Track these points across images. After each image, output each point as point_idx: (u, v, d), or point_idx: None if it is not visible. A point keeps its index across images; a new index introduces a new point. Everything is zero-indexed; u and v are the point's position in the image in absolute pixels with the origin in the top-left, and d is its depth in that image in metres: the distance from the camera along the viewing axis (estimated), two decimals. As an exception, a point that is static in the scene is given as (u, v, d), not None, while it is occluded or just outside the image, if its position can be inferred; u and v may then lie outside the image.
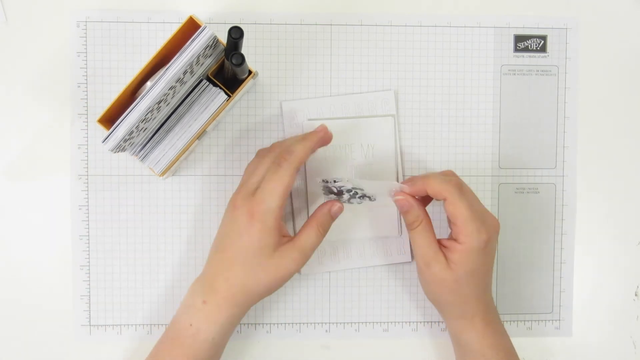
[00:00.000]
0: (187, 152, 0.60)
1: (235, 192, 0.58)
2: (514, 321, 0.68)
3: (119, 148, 0.54)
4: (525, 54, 0.67)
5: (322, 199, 0.63)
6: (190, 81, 0.57)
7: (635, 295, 0.69)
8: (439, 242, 0.59)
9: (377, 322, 0.67)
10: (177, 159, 0.59)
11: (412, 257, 0.66)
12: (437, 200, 0.59)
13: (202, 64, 0.56)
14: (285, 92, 0.66)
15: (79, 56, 0.65)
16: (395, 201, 0.59)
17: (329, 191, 0.60)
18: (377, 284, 0.67)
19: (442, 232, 0.66)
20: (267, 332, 0.67)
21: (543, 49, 0.67)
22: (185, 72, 0.53)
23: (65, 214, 0.65)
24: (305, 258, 0.57)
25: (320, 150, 0.65)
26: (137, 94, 0.57)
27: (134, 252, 0.66)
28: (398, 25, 0.66)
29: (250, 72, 0.58)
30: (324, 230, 0.58)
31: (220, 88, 0.58)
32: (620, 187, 0.68)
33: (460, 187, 0.58)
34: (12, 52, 0.64)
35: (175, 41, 0.55)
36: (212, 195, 0.66)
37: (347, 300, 0.67)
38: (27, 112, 0.65)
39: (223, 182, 0.66)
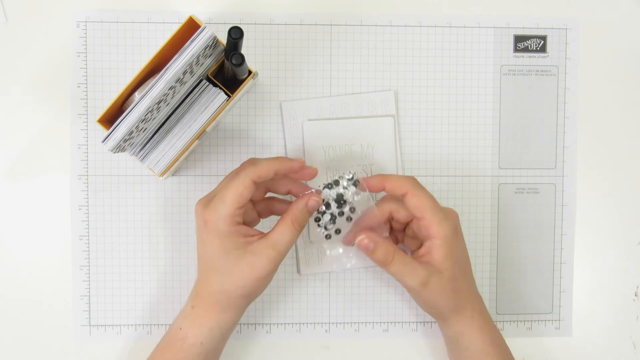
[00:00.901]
0: (187, 152, 0.60)
1: (198, 201, 0.58)
2: (514, 321, 0.68)
3: (119, 148, 0.54)
4: (525, 54, 0.67)
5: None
6: (190, 81, 0.57)
7: (635, 295, 0.69)
8: (416, 258, 0.58)
9: (377, 322, 0.67)
10: (177, 159, 0.59)
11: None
12: (396, 195, 0.58)
13: (201, 64, 0.56)
14: (285, 92, 0.66)
15: (79, 56, 0.65)
16: (358, 245, 0.58)
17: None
18: (377, 284, 0.67)
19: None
20: (267, 332, 0.67)
21: (543, 49, 0.67)
22: (185, 72, 0.53)
23: (65, 214, 0.65)
24: (280, 255, 0.56)
25: (321, 151, 0.65)
26: (124, 106, 0.57)
27: (134, 252, 0.66)
28: (398, 25, 0.66)
29: (250, 72, 0.58)
30: (299, 226, 0.57)
31: (220, 88, 0.58)
32: (620, 187, 0.68)
33: (417, 181, 0.58)
34: (12, 52, 0.64)
35: (175, 41, 0.55)
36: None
37: (347, 300, 0.67)
38: (27, 112, 0.65)
39: (223, 182, 0.66)
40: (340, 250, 0.64)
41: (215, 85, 0.59)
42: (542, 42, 0.67)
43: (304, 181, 0.62)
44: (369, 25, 0.66)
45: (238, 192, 0.55)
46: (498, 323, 0.68)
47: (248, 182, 0.55)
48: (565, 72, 0.67)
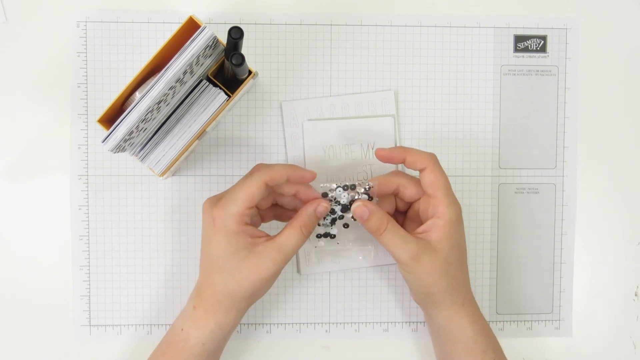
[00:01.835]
0: (187, 152, 0.60)
1: (206, 199, 0.58)
2: (514, 321, 0.68)
3: (119, 148, 0.54)
4: (525, 54, 0.67)
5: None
6: (190, 81, 0.57)
7: (635, 295, 0.69)
8: (413, 235, 0.58)
9: (377, 322, 0.67)
10: (177, 159, 0.59)
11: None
12: (415, 168, 0.58)
13: (202, 64, 0.56)
14: (285, 92, 0.66)
15: (79, 56, 0.65)
16: (354, 211, 0.58)
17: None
18: (377, 284, 0.67)
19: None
20: (267, 332, 0.67)
21: (543, 49, 0.67)
22: (185, 72, 0.53)
23: (65, 214, 0.65)
24: (285, 258, 0.56)
25: (321, 151, 0.65)
26: (124, 106, 0.57)
27: (134, 252, 0.66)
28: (398, 25, 0.66)
29: (250, 72, 0.58)
30: (307, 231, 0.57)
31: (220, 88, 0.58)
32: (620, 187, 0.68)
33: (437, 159, 0.58)
34: (12, 52, 0.64)
35: (175, 41, 0.55)
36: (211, 196, 0.66)
37: (347, 300, 0.67)
38: (27, 112, 0.65)
39: (223, 182, 0.66)
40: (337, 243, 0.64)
41: (215, 85, 0.59)
42: (542, 42, 0.67)
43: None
44: (369, 25, 0.66)
45: (250, 191, 0.55)
46: (498, 323, 0.68)
47: (261, 183, 0.56)
48: (565, 72, 0.67)
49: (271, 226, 0.66)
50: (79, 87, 0.65)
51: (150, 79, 0.56)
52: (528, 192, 0.68)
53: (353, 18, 0.66)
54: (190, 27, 0.55)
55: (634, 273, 0.69)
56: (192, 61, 0.53)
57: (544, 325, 0.68)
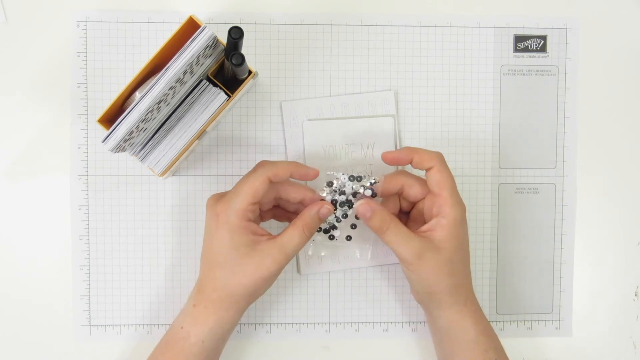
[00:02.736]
0: (187, 152, 0.60)
1: (210, 195, 0.59)
2: (514, 321, 0.68)
3: (119, 148, 0.54)
4: (525, 54, 0.67)
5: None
6: (190, 81, 0.57)
7: (635, 295, 0.69)
8: (416, 233, 0.58)
9: (377, 322, 0.67)
10: (177, 159, 0.59)
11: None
12: (422, 168, 0.58)
13: (202, 64, 0.56)
14: (285, 92, 0.66)
15: (79, 56, 0.65)
16: (356, 210, 0.59)
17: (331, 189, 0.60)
18: (377, 284, 0.67)
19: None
20: (267, 332, 0.67)
21: (543, 49, 0.67)
22: (185, 72, 0.53)
23: (65, 214, 0.65)
24: (286, 258, 0.56)
25: (321, 151, 0.65)
26: (124, 106, 0.57)
27: (134, 252, 0.66)
28: (398, 25, 0.66)
29: (250, 72, 0.58)
30: (309, 232, 0.57)
31: (220, 88, 0.58)
32: (620, 187, 0.68)
33: (444, 159, 0.58)
34: (12, 52, 0.64)
35: (175, 41, 0.55)
36: (215, 193, 0.66)
37: (347, 300, 0.67)
38: (27, 112, 0.65)
39: (223, 182, 0.66)
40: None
41: (215, 85, 0.59)
42: (542, 42, 0.67)
43: (306, 182, 0.62)
44: (369, 25, 0.66)
45: (254, 187, 0.56)
46: (498, 323, 0.68)
47: (264, 178, 0.56)
48: (565, 72, 0.67)
49: (270, 225, 0.66)
50: (79, 87, 0.65)
51: (150, 79, 0.56)
52: (528, 192, 0.68)
53: (353, 18, 0.66)
54: (190, 27, 0.55)
55: (634, 273, 0.69)
56: (192, 61, 0.53)
57: (544, 325, 0.68)
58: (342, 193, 0.59)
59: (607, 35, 0.68)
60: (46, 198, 0.65)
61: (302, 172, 0.58)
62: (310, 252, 0.66)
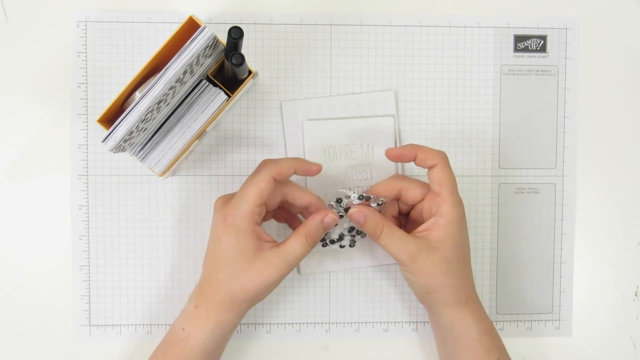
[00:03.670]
0: (187, 152, 0.60)
1: (219, 197, 0.59)
2: (514, 321, 0.68)
3: (119, 148, 0.54)
4: (525, 54, 0.67)
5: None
6: (190, 81, 0.57)
7: (635, 295, 0.69)
8: (413, 235, 0.58)
9: (377, 322, 0.67)
10: (177, 159, 0.59)
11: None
12: (425, 165, 0.58)
13: (202, 64, 0.56)
14: (285, 92, 0.66)
15: (79, 56, 0.65)
16: (350, 216, 0.59)
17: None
18: (377, 284, 0.67)
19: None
20: (267, 332, 0.67)
21: (543, 49, 0.67)
22: (185, 72, 0.53)
23: (65, 214, 0.65)
24: (288, 266, 0.56)
25: (321, 151, 0.65)
26: (124, 106, 0.57)
27: (134, 252, 0.66)
28: (398, 25, 0.66)
29: (250, 72, 0.58)
30: (312, 241, 0.57)
31: (220, 88, 0.58)
32: (620, 187, 0.68)
33: (447, 158, 0.58)
34: (12, 52, 0.64)
35: (175, 41, 0.55)
36: (211, 195, 0.66)
37: (347, 300, 0.67)
38: (27, 112, 0.65)
39: (223, 182, 0.66)
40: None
41: (215, 85, 0.59)
42: (542, 42, 0.67)
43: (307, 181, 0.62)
44: (369, 25, 0.66)
45: (260, 188, 0.56)
46: (498, 323, 0.68)
47: (269, 178, 0.56)
48: (565, 72, 0.67)
49: (270, 226, 0.66)
50: (79, 87, 0.65)
51: (150, 79, 0.56)
52: (528, 192, 0.68)
53: (353, 18, 0.66)
54: (190, 27, 0.55)
55: (634, 273, 0.69)
56: (192, 61, 0.53)
57: (544, 325, 0.68)
58: (347, 210, 0.59)
59: (607, 35, 0.68)
60: (46, 198, 0.65)
61: (305, 168, 0.58)
62: (312, 254, 0.66)
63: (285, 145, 0.66)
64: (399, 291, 0.67)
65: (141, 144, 0.58)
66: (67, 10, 0.64)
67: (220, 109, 0.58)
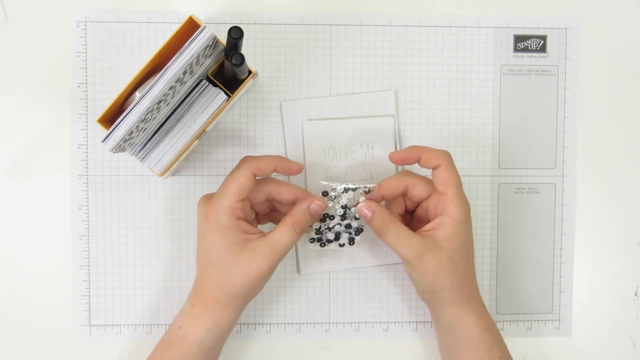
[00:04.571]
0: (186, 152, 0.60)
1: (202, 196, 0.59)
2: (514, 321, 0.68)
3: (119, 148, 0.54)
4: (525, 54, 0.67)
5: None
6: (190, 81, 0.57)
7: (635, 295, 0.69)
8: (419, 233, 0.58)
9: (377, 322, 0.67)
10: (176, 159, 0.59)
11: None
12: (430, 166, 0.58)
13: (201, 64, 0.56)
14: (285, 92, 0.66)
15: (79, 56, 0.65)
16: (358, 210, 0.59)
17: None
18: (377, 284, 0.67)
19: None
20: (267, 332, 0.67)
21: (543, 49, 0.67)
22: (185, 72, 0.53)
23: (65, 214, 0.65)
24: (277, 255, 0.56)
25: (321, 151, 0.65)
26: (124, 106, 0.57)
27: (134, 252, 0.66)
28: (398, 25, 0.66)
29: (250, 72, 0.58)
30: (300, 229, 0.57)
31: (220, 88, 0.58)
32: (620, 187, 0.68)
33: (451, 158, 0.58)
34: (12, 52, 0.64)
35: (175, 41, 0.55)
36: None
37: (347, 300, 0.67)
38: (27, 112, 0.65)
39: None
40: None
41: (215, 85, 0.59)
42: (542, 42, 0.67)
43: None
44: (369, 25, 0.66)
45: (239, 183, 0.56)
46: (498, 323, 0.68)
47: (249, 174, 0.56)
48: (565, 72, 0.67)
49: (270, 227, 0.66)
50: (79, 87, 0.65)
51: (150, 79, 0.56)
52: (528, 192, 0.68)
53: (353, 18, 0.66)
54: (190, 27, 0.55)
55: (634, 273, 0.69)
56: (192, 61, 0.53)
57: (544, 325, 0.68)
58: (344, 207, 0.59)
59: (607, 35, 0.68)
60: (46, 198, 0.65)
61: (285, 166, 0.58)
62: (312, 254, 0.66)
63: (285, 145, 0.66)
64: (399, 291, 0.67)
65: (141, 144, 0.58)
66: (67, 10, 0.64)
67: (220, 109, 0.58)
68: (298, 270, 0.67)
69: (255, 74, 0.59)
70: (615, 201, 0.68)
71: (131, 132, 0.53)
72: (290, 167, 0.59)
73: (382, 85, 0.66)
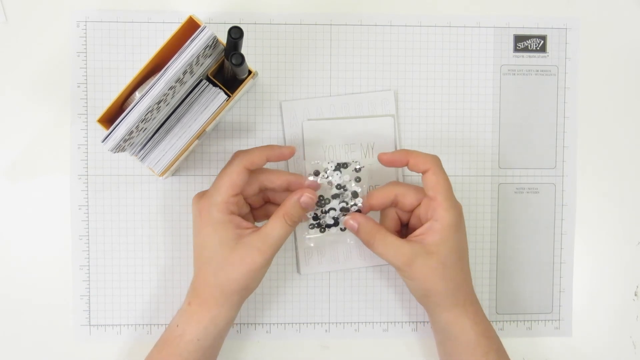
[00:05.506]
0: (187, 152, 0.60)
1: (196, 194, 0.60)
2: (513, 321, 0.68)
3: (119, 148, 0.54)
4: (525, 54, 0.67)
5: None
6: (190, 81, 0.57)
7: (635, 295, 0.69)
8: (409, 240, 0.58)
9: (376, 322, 0.67)
10: (177, 159, 0.59)
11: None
12: (418, 170, 0.58)
13: (201, 64, 0.56)
14: (285, 92, 0.66)
15: (79, 56, 0.65)
16: (344, 224, 0.59)
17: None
18: (377, 284, 0.67)
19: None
20: (267, 332, 0.67)
21: (543, 49, 0.67)
22: (184, 72, 0.53)
23: (65, 213, 0.65)
24: (271, 248, 0.56)
25: (321, 151, 0.65)
26: (124, 105, 0.57)
27: (134, 252, 0.66)
28: (398, 25, 0.66)
29: (250, 72, 0.58)
30: (291, 221, 0.57)
31: (220, 88, 0.58)
32: (620, 187, 0.68)
33: (440, 162, 0.58)
34: (12, 52, 0.64)
35: (175, 41, 0.55)
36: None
37: (346, 300, 0.67)
38: (27, 112, 0.65)
39: (223, 182, 0.66)
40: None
41: (215, 85, 0.59)
42: (542, 42, 0.67)
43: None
44: (369, 25, 0.66)
45: (232, 179, 0.56)
46: (498, 323, 0.68)
47: (241, 168, 0.56)
48: (565, 72, 0.67)
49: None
50: (79, 87, 0.65)
51: (150, 79, 0.56)
52: (528, 192, 0.68)
53: (353, 18, 0.66)
54: (190, 27, 0.55)
55: (633, 273, 0.69)
56: (192, 61, 0.53)
57: (543, 325, 0.68)
58: (338, 187, 0.59)
59: (607, 35, 0.68)
60: (46, 198, 0.65)
61: (277, 154, 0.58)
62: (312, 244, 0.65)
63: (285, 145, 0.66)
64: (398, 291, 0.67)
65: (141, 144, 0.58)
66: (67, 10, 0.64)
67: (220, 109, 0.58)
68: (298, 270, 0.67)
69: (255, 74, 0.59)
70: (615, 201, 0.68)
71: (131, 132, 0.53)
72: (282, 153, 0.59)
73: (382, 85, 0.66)
